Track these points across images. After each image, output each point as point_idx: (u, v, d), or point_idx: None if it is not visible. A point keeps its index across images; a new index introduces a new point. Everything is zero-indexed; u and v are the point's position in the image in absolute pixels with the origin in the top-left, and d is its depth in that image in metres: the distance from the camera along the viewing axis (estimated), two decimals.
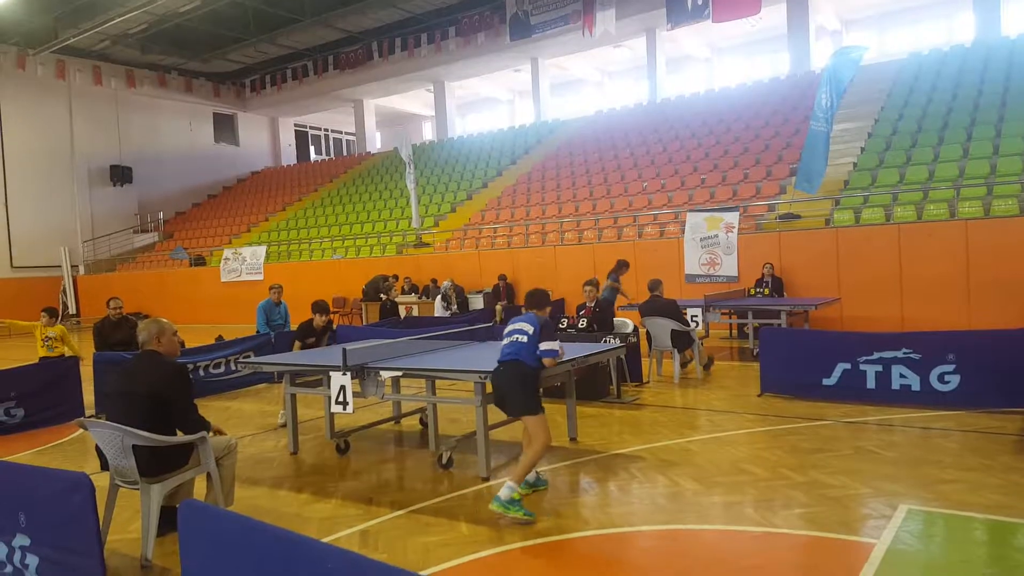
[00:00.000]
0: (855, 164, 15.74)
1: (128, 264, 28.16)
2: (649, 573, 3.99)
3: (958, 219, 12.44)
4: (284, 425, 7.68)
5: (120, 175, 30.02)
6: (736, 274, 13.37)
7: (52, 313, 9.96)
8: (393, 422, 7.64)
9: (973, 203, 12.62)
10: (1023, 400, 6.78)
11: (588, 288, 9.23)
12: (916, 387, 7.27)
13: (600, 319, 8.99)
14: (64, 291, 26.82)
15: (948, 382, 7.13)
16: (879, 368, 7.49)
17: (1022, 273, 11.51)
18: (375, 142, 34.64)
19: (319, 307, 8.48)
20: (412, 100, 34.36)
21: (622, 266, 12.49)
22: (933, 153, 14.81)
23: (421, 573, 3.55)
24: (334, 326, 9.40)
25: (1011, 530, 4.22)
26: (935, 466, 5.40)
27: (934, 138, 15.36)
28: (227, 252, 23.06)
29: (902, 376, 7.36)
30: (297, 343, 8.39)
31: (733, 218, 13.50)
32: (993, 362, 6.94)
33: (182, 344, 10.24)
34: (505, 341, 5.22)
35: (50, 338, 9.72)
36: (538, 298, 5.32)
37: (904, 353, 7.35)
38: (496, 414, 6.36)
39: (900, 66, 19.41)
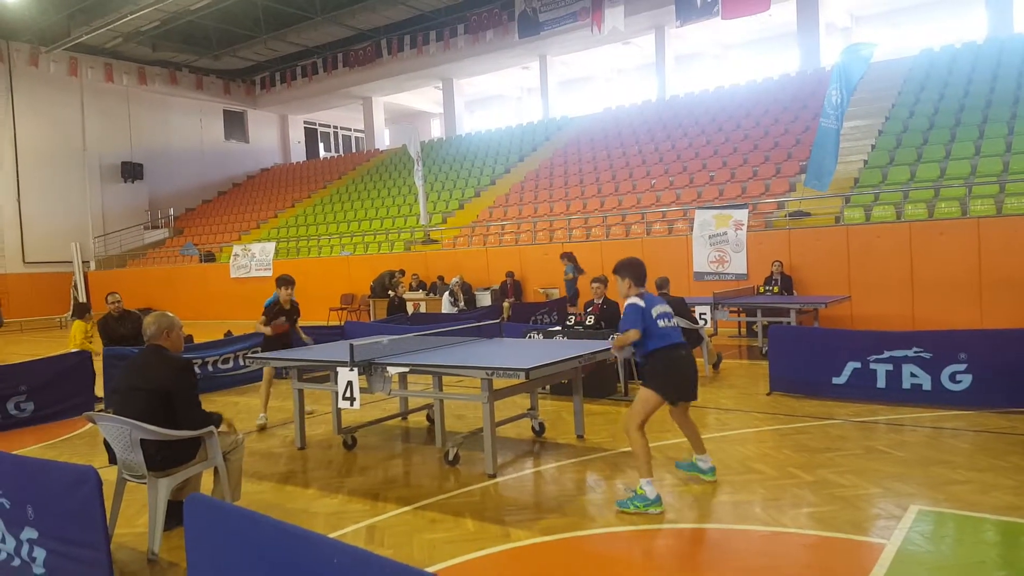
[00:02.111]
0: (866, 161, 15.64)
1: (139, 260, 28.32)
2: (656, 572, 3.96)
3: (970, 217, 12.33)
4: (263, 428, 7.66)
5: (131, 171, 30.22)
6: (745, 272, 13.31)
7: (88, 309, 10.19)
8: (400, 418, 7.65)
9: (985, 201, 12.51)
10: None
11: (596, 285, 9.21)
12: (927, 386, 7.21)
13: (608, 316, 8.96)
14: (75, 286, 27.00)
15: (960, 381, 7.06)
16: (890, 367, 7.43)
17: None
18: (384, 139, 34.69)
19: (284, 280, 7.91)
20: (421, 97, 34.39)
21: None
22: (945, 151, 14.68)
23: (427, 570, 3.53)
24: (342, 322, 9.31)
25: (1021, 531, 4.17)
26: (946, 466, 5.35)
27: (946, 135, 15.24)
28: (236, 248, 23.12)
29: (913, 375, 7.30)
30: (266, 327, 7.75)
31: (742, 215, 13.42)
32: (1005, 362, 6.87)
33: (189, 339, 10.36)
34: (671, 324, 5.02)
35: (90, 334, 9.88)
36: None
37: (915, 352, 7.29)
38: (502, 411, 6.35)
39: (911, 63, 19.27)
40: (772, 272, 13.03)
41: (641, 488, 4.72)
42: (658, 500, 4.71)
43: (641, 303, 4.91)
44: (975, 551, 3.94)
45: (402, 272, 18.27)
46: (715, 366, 9.66)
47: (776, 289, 12.81)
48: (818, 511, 4.60)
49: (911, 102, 17.28)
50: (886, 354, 7.46)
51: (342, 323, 14.90)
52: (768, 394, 8.12)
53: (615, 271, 5.13)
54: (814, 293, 13.07)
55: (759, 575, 3.81)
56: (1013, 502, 4.57)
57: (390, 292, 16.17)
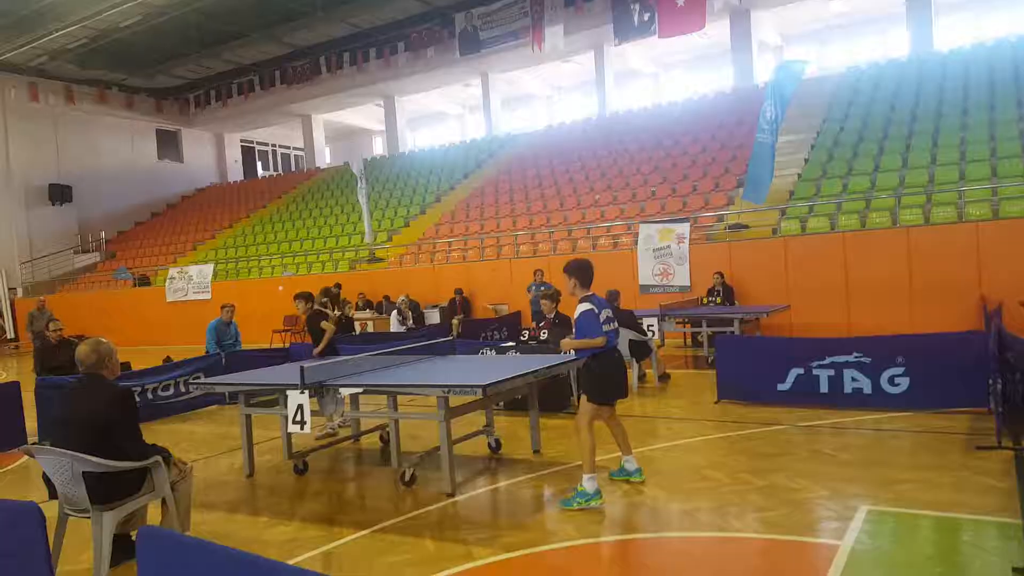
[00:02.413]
0: (799, 175, 16.20)
1: (69, 285, 27.18)
2: None
3: (900, 226, 12.89)
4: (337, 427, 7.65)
5: (59, 194, 29.00)
6: (688, 284, 13.59)
7: None
8: (352, 440, 7.50)
9: (913, 211, 13.11)
10: (970, 400, 7.00)
11: (546, 301, 9.24)
12: (868, 390, 7.46)
13: (560, 331, 9.00)
14: (1, 314, 25.72)
15: (898, 384, 7.33)
16: (831, 372, 7.66)
17: (962, 277, 11.98)
18: (324, 157, 34.27)
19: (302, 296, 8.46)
20: (362, 115, 34.14)
21: (536, 273, 13.93)
22: (874, 163, 15.34)
23: None
24: (286, 343, 9.20)
25: (965, 526, 4.34)
26: (890, 466, 5.54)
27: (874, 148, 15.92)
28: (172, 271, 22.46)
29: (854, 380, 7.54)
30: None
31: (684, 229, 13.73)
32: (940, 364, 7.17)
33: (127, 366, 9.96)
34: (613, 327, 5.24)
35: None
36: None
37: (855, 357, 7.54)
38: (458, 428, 6.31)
39: (839, 79, 20.12)
40: (714, 283, 13.34)
41: (582, 485, 5.03)
42: (598, 493, 5.00)
43: (593, 308, 5.12)
44: (924, 547, 4.09)
45: (338, 286, 18.01)
46: (660, 378, 9.76)
47: (719, 300, 13.11)
48: (771, 515, 4.70)
49: (841, 117, 18.02)
50: (828, 360, 7.70)
51: (286, 345, 14.58)
52: (716, 402, 8.27)
53: (565, 270, 5.33)
54: (755, 303, 13.43)
55: None
56: (955, 498, 4.75)
57: (336, 311, 15.91)
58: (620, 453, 5.62)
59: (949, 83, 17.57)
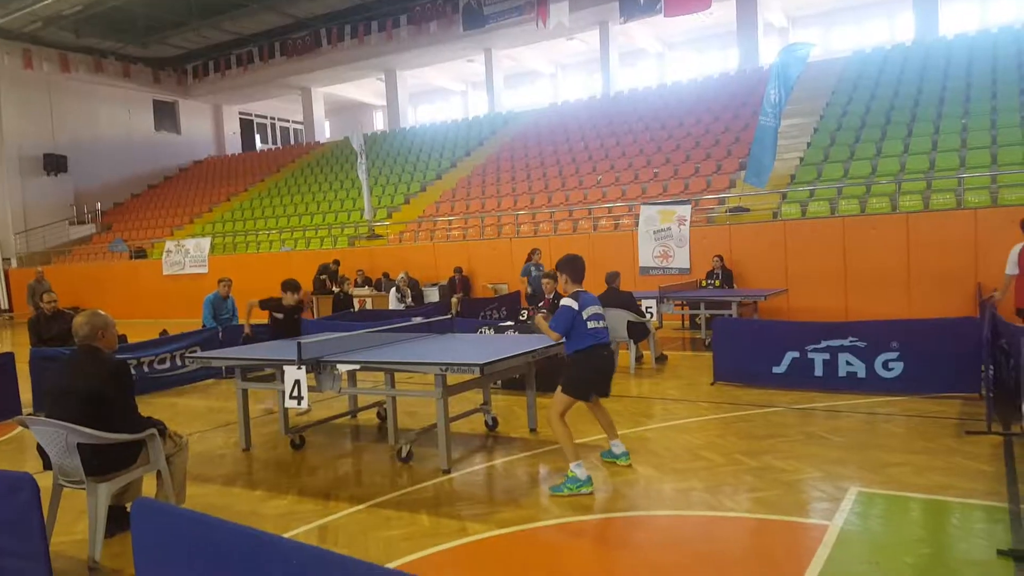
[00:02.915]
0: (801, 159, 16.13)
1: (64, 257, 27.09)
2: (610, 559, 4.02)
3: (899, 212, 12.87)
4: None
5: (54, 164, 28.75)
6: (688, 266, 13.58)
7: None
8: (349, 416, 7.53)
9: (913, 197, 13.07)
10: (963, 385, 7.06)
11: (547, 281, 9.25)
12: (862, 374, 7.50)
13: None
14: None
15: (892, 369, 7.37)
16: (827, 356, 7.70)
17: (959, 264, 11.98)
18: (324, 131, 34.03)
19: (289, 285, 8.55)
20: (362, 89, 33.85)
21: (533, 253, 14.13)
22: (876, 148, 15.27)
23: (388, 566, 3.48)
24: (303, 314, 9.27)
25: (953, 509, 4.39)
26: (882, 450, 5.58)
27: (876, 134, 15.85)
28: (169, 244, 22.39)
29: (848, 364, 7.58)
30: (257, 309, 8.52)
31: (685, 211, 13.70)
32: (934, 349, 7.20)
33: (123, 339, 9.96)
34: (600, 325, 5.19)
35: None
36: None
37: (850, 341, 7.57)
38: (455, 406, 6.34)
39: (845, 63, 19.96)
40: (714, 266, 13.34)
41: (571, 471, 4.96)
42: (588, 481, 4.95)
43: (575, 305, 5.10)
44: (912, 529, 4.13)
45: (336, 263, 18.00)
46: (657, 360, 9.82)
47: (718, 283, 13.12)
48: (763, 495, 4.74)
49: (844, 101, 17.91)
50: (823, 344, 7.74)
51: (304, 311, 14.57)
52: (712, 384, 8.31)
53: (556, 267, 5.36)
54: (753, 286, 13.44)
55: (709, 559, 3.91)
56: (945, 482, 4.80)
57: (335, 288, 15.92)
58: (607, 437, 5.62)
59: (953, 69, 17.45)
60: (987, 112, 15.14)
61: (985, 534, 3.98)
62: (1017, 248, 7.72)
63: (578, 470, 4.96)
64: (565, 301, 5.13)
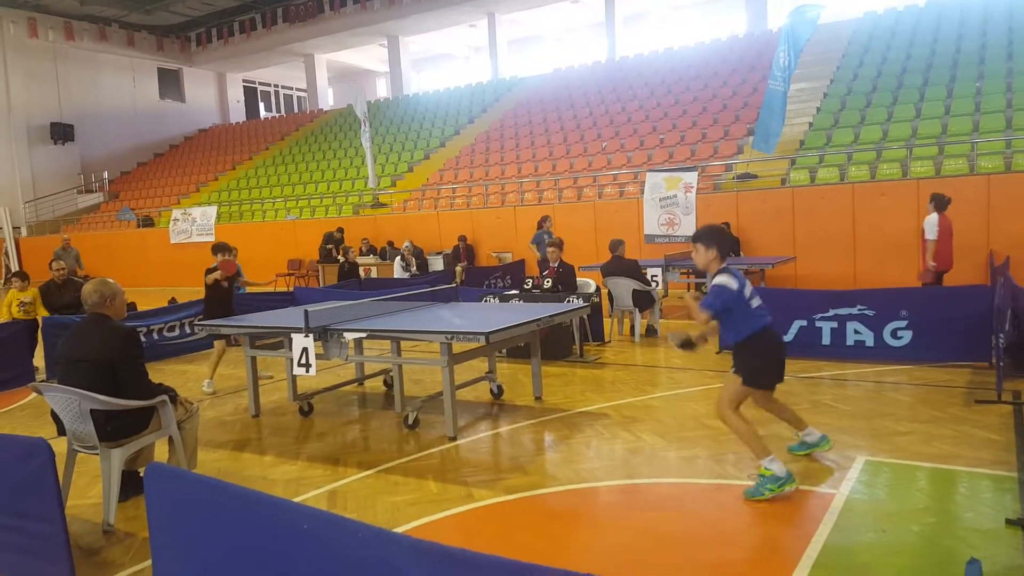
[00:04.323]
0: (811, 124, 15.93)
1: (73, 225, 27.15)
2: (616, 526, 4.05)
3: (910, 179, 12.72)
4: (213, 393, 7.59)
5: (61, 133, 28.73)
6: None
7: (23, 276, 9.48)
8: (356, 384, 7.58)
9: (925, 163, 12.91)
10: (971, 354, 7.03)
11: (552, 249, 9.22)
12: (870, 343, 7.48)
13: (564, 279, 9.01)
14: (6, 254, 25.77)
15: (900, 338, 7.35)
16: (834, 325, 7.67)
17: (971, 231, 11.85)
18: (327, 99, 33.77)
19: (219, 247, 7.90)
20: (365, 55, 33.49)
21: (544, 221, 13.86)
22: (887, 113, 15.05)
23: (396, 530, 3.53)
24: (290, 287, 9.09)
25: (961, 478, 4.40)
26: (889, 418, 5.59)
27: (888, 98, 15.60)
28: (176, 213, 22.29)
29: (856, 332, 7.55)
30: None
31: (692, 178, 13.55)
32: (943, 318, 7.16)
33: (132, 307, 10.01)
34: (759, 305, 4.45)
35: (25, 303, 9.24)
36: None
37: (859, 310, 7.53)
38: (461, 374, 6.36)
39: (856, 25, 19.59)
40: None
41: (765, 469, 4.26)
42: (790, 477, 4.24)
43: (733, 284, 4.31)
44: (918, 498, 4.14)
45: (341, 231, 17.99)
46: (648, 331, 9.56)
47: None
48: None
49: (855, 64, 17.61)
50: (831, 312, 7.70)
51: (291, 289, 14.62)
52: (718, 352, 8.30)
53: (697, 239, 4.56)
54: (761, 254, 13.37)
55: (716, 526, 3.94)
56: (952, 451, 4.80)
57: (340, 257, 15.92)
58: (796, 431, 4.88)
59: (967, 30, 17.11)
60: (1002, 75, 14.86)
61: (993, 503, 3.99)
62: (931, 218, 9.08)
63: (773, 465, 4.24)
64: (720, 279, 4.34)
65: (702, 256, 4.51)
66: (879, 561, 3.44)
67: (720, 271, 4.42)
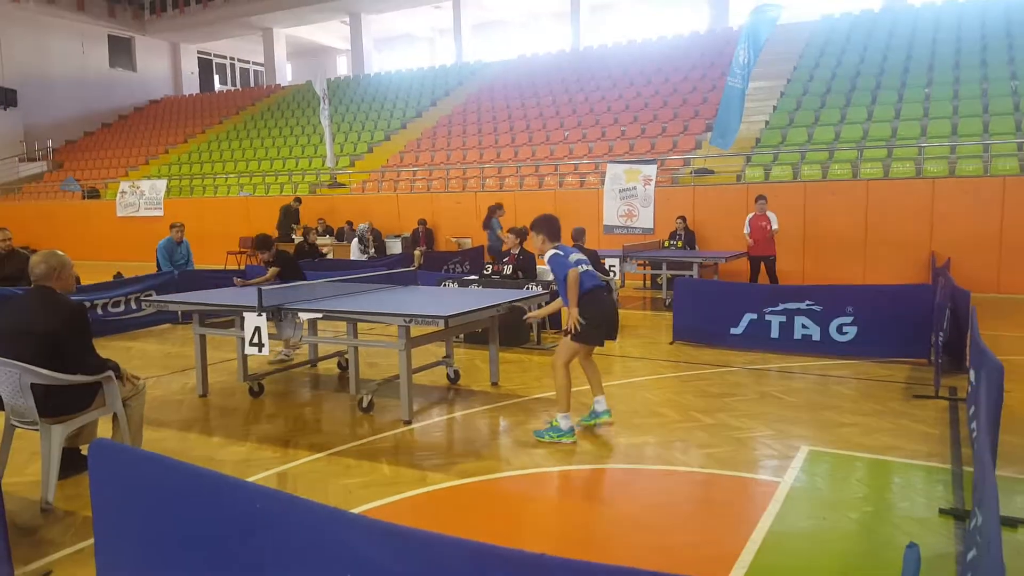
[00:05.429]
0: (767, 122, 16.23)
1: (13, 195, 26.09)
2: (567, 509, 4.10)
3: (860, 179, 13.08)
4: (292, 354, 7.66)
5: (3, 97, 27.51)
6: (652, 226, 13.62)
7: None
8: (309, 365, 7.49)
9: (874, 164, 13.29)
10: (912, 351, 7.29)
11: (512, 236, 9.22)
12: (816, 337, 7.70)
13: (524, 266, 9.02)
14: None
15: (846, 333, 7.58)
16: (783, 319, 7.87)
17: (915, 232, 12.29)
18: (286, 74, 33.02)
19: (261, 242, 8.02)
20: (326, 32, 32.84)
21: (496, 210, 13.83)
22: (840, 115, 15.43)
23: (352, 510, 3.51)
24: (241, 266, 8.95)
25: (898, 469, 4.57)
26: (833, 411, 5.77)
27: (841, 100, 15.99)
28: (123, 185, 21.57)
29: (804, 327, 7.77)
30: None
31: (651, 171, 13.67)
32: (887, 315, 7.42)
33: (77, 280, 9.68)
34: (589, 269, 5.18)
35: None
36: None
37: (807, 305, 7.75)
38: (418, 358, 6.33)
39: (813, 27, 19.98)
40: (677, 227, 13.43)
41: (556, 420, 5.10)
42: (571, 432, 5.06)
43: (561, 253, 5.13)
44: (858, 487, 4.29)
45: (298, 200, 17.66)
46: None
47: (680, 244, 13.23)
48: (718, 451, 4.87)
49: (811, 66, 17.98)
50: (780, 307, 7.91)
51: (242, 267, 14.33)
52: (671, 343, 8.45)
53: (531, 227, 5.31)
54: (715, 248, 13.60)
55: (663, 510, 4.02)
56: (891, 443, 4.98)
57: (296, 236, 15.63)
58: (592, 392, 5.46)
59: (918, 38, 17.62)
60: (950, 83, 15.37)
61: (927, 493, 4.15)
62: (749, 216, 11.65)
63: (564, 421, 5.06)
64: (550, 253, 5.11)
65: (536, 241, 5.27)
66: (820, 547, 3.56)
67: (551, 249, 5.18)
